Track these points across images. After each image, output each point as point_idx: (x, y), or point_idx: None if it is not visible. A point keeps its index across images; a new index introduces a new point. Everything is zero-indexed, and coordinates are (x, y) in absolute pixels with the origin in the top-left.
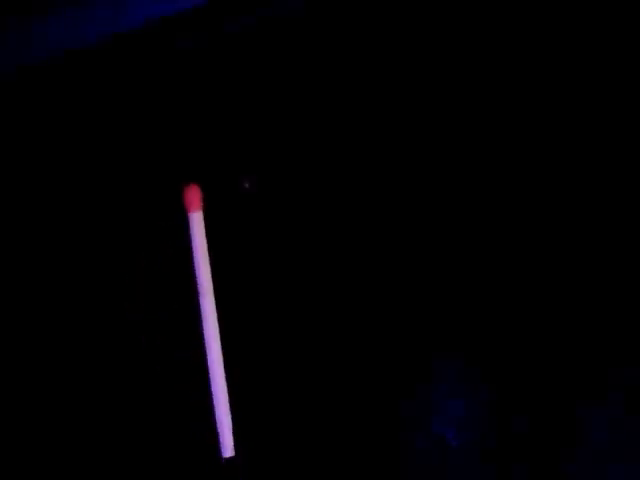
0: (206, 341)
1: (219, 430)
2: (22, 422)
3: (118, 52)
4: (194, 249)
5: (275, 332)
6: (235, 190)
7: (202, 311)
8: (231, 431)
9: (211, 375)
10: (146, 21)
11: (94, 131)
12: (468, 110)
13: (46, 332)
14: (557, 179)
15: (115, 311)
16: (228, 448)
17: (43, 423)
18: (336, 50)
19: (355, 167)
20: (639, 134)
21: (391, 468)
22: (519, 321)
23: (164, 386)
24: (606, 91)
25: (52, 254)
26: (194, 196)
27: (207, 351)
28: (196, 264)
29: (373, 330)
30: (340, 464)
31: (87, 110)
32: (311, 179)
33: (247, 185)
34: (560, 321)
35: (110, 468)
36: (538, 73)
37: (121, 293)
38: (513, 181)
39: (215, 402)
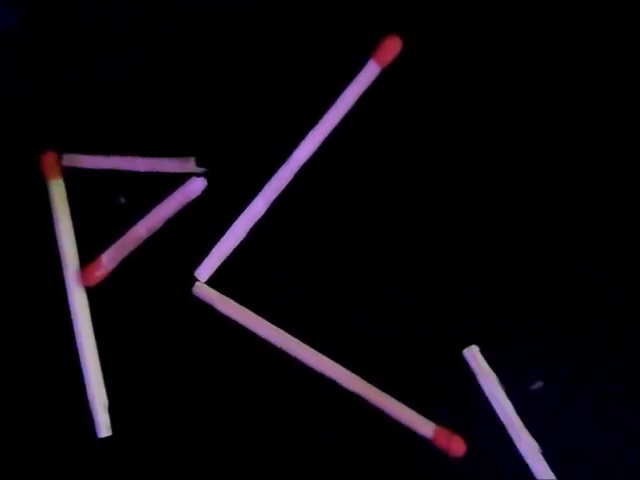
0: (72, 313)
1: (92, 408)
2: None
3: None
4: (55, 219)
5: (150, 297)
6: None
7: (66, 283)
8: (106, 408)
9: (80, 350)
10: None
11: None
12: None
13: None
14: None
15: None
16: (103, 427)
17: None
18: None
19: None
20: None
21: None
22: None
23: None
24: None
25: None
26: (51, 163)
27: (74, 325)
28: (58, 235)
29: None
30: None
31: None
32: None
33: (122, 200)
34: None
35: None
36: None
37: None
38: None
39: (85, 377)
